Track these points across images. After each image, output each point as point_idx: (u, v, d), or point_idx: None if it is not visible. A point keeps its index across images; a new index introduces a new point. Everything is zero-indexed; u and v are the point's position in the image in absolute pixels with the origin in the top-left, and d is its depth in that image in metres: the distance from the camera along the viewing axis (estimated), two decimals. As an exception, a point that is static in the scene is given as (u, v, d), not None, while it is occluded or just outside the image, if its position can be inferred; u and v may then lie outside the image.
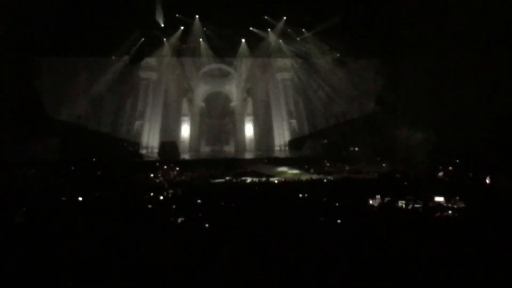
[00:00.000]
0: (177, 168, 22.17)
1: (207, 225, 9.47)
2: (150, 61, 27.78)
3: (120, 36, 25.52)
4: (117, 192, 14.89)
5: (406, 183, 17.26)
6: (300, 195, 14.53)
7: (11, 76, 23.47)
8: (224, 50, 27.44)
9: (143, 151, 27.29)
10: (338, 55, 27.51)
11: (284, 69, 29.49)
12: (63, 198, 13.54)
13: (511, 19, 20.44)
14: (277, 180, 19.39)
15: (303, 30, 27.16)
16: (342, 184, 17.82)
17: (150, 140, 27.98)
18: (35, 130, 23.56)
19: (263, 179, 19.62)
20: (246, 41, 27.83)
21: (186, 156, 26.81)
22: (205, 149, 28.84)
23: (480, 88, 21.91)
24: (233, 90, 29.04)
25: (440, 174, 19.75)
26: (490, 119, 21.50)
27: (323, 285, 6.36)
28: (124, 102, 28.13)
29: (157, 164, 22.91)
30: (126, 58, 26.87)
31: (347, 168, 23.11)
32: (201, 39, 27.35)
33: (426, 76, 24.12)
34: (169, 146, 26.89)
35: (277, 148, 28.85)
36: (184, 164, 23.59)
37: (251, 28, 26.99)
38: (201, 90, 29.16)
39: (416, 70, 24.34)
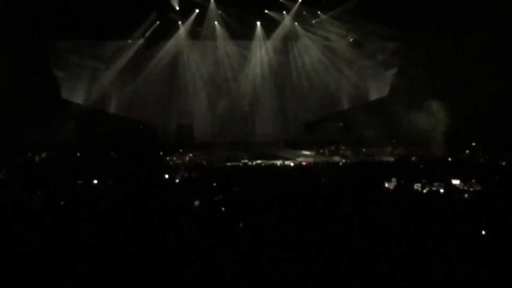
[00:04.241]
0: (193, 151, 22.30)
1: (223, 209, 9.51)
2: (166, 44, 27.72)
3: (135, 19, 25.52)
4: (132, 175, 14.97)
5: (422, 166, 17.23)
6: (316, 178, 14.55)
7: (28, 60, 23.61)
8: (239, 33, 27.34)
9: (159, 134, 27.40)
10: (353, 37, 27.29)
11: (299, 52, 29.34)
12: (79, 182, 13.64)
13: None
14: (293, 163, 19.44)
15: (319, 12, 26.96)
16: (358, 167, 17.81)
17: (166, 123, 28.04)
18: (51, 113, 23.71)
19: (279, 162, 19.69)
20: (261, 24, 27.71)
21: (202, 138, 26.87)
22: (221, 132, 28.80)
23: (498, 71, 21.70)
24: (249, 73, 28.91)
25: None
26: (507, 102, 21.33)
27: (341, 270, 6.38)
28: (140, 86, 28.16)
29: (173, 147, 23.03)
30: (141, 41, 26.87)
31: (363, 150, 23.13)
32: (216, 22, 27.26)
33: (443, 58, 23.93)
34: (185, 129, 27.02)
35: (293, 131, 28.78)
36: (200, 146, 23.70)
37: (266, 11, 26.83)
38: (217, 73, 29.09)
39: (433, 52, 24.15)
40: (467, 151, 21.07)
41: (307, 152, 23.80)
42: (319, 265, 6.41)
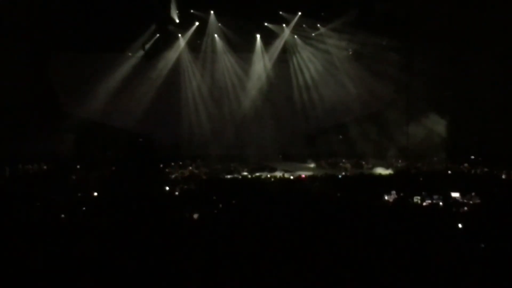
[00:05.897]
0: (192, 164, 22.31)
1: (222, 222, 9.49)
2: (166, 56, 27.75)
3: (135, 32, 25.56)
4: (132, 187, 14.95)
5: (421, 178, 17.23)
6: (315, 191, 14.56)
7: (27, 72, 23.65)
8: (239, 46, 27.37)
9: (159, 146, 27.36)
10: (353, 49, 27.38)
11: (299, 64, 29.39)
12: (79, 194, 13.64)
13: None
14: (293, 176, 19.43)
15: (318, 25, 27.03)
16: (357, 179, 17.81)
17: (165, 135, 28.00)
18: (50, 125, 23.71)
19: (278, 174, 19.69)
20: (261, 36, 27.75)
21: (201, 151, 26.85)
22: (221, 145, 28.77)
23: (498, 84, 21.75)
24: (248, 85, 28.94)
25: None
26: (506, 114, 21.37)
27: (341, 282, 6.37)
28: (140, 98, 28.16)
29: (172, 159, 23.04)
30: (141, 53, 26.89)
31: (363, 163, 23.16)
32: (216, 35, 27.32)
33: (443, 70, 23.98)
34: (184, 141, 27.00)
35: (292, 143, 28.74)
36: (199, 159, 23.73)
37: (266, 24, 26.89)
38: (217, 86, 29.11)
39: (433, 64, 24.20)
40: (466, 164, 21.10)
41: (306, 165, 23.83)
42: (319, 278, 6.40)
